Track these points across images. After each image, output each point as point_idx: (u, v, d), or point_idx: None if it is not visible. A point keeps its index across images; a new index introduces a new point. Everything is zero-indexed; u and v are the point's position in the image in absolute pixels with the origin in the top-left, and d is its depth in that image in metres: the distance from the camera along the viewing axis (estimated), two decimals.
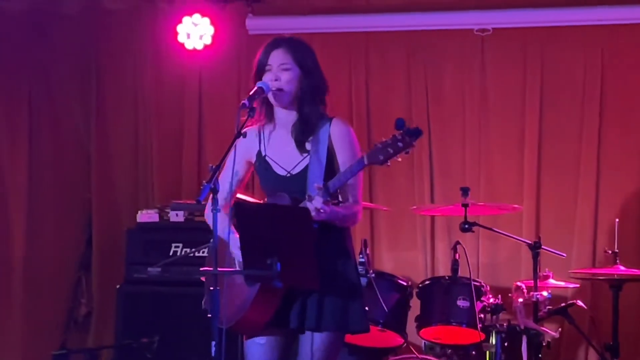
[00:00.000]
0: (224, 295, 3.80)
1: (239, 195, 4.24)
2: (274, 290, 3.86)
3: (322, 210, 3.76)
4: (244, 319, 3.92)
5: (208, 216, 4.01)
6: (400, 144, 3.67)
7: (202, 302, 4.14)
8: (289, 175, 4.04)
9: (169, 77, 7.33)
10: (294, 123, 4.07)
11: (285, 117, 4.09)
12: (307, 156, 4.01)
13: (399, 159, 3.69)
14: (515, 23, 6.90)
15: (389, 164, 3.71)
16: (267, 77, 4.02)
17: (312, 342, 3.94)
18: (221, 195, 3.90)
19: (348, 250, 4.07)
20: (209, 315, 3.79)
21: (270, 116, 4.12)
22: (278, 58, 4.02)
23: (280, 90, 4.01)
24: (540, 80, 6.88)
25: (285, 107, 4.08)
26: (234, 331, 3.94)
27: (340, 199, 4.00)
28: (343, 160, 4.00)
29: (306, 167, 4.00)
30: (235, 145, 3.93)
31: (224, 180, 4.01)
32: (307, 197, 3.82)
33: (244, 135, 3.93)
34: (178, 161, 7.34)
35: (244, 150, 4.09)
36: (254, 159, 4.12)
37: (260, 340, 4.05)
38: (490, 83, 6.98)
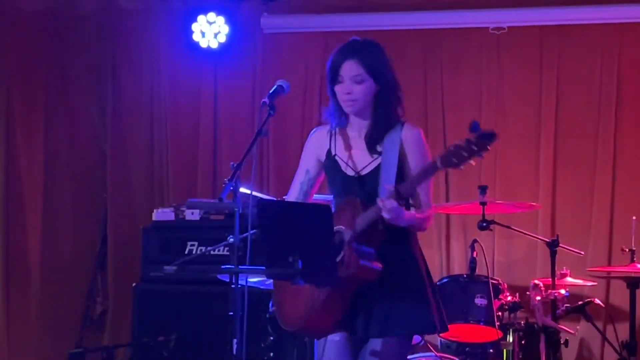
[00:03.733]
0: (293, 297, 3.83)
1: (255, 193, 4.21)
2: (342, 293, 3.83)
3: (393, 212, 3.71)
4: (311, 322, 3.87)
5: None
6: (475, 147, 3.56)
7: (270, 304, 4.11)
8: (357, 175, 3.98)
9: (184, 76, 7.35)
10: (367, 126, 4.01)
11: (359, 121, 4.03)
12: (377, 158, 3.96)
13: (473, 163, 3.59)
14: (531, 21, 6.90)
15: (462, 167, 3.62)
16: (340, 90, 3.95)
17: (377, 347, 3.89)
18: (293, 195, 3.99)
19: (415, 255, 4.00)
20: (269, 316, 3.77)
21: (344, 120, 4.05)
22: (351, 70, 3.91)
23: (354, 101, 3.94)
24: (556, 78, 6.88)
25: (359, 114, 4.01)
26: (300, 334, 3.88)
27: (411, 202, 3.93)
28: (415, 164, 3.92)
29: (375, 168, 3.95)
30: (308, 144, 4.01)
31: (296, 180, 4.06)
32: (378, 200, 3.76)
33: (265, 133, 3.93)
34: (194, 160, 7.36)
35: (315, 149, 4.07)
36: (323, 158, 4.07)
37: (335, 337, 3.98)
38: (506, 81, 6.98)
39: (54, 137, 7.46)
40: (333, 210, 3.93)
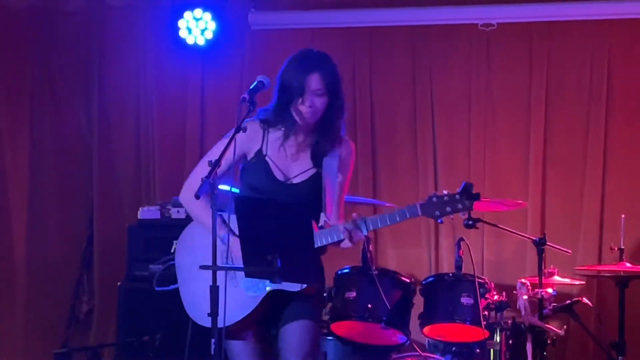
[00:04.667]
0: (201, 293, 3.86)
1: (222, 187, 4.17)
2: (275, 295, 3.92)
3: (354, 243, 3.84)
4: (247, 319, 3.95)
5: (186, 200, 4.15)
6: (460, 205, 3.71)
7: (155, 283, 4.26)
8: (288, 182, 4.06)
9: (171, 73, 7.31)
10: (309, 135, 4.09)
11: (304, 130, 4.09)
12: (312, 169, 4.07)
13: (452, 218, 3.74)
14: (521, 17, 6.86)
15: (441, 220, 3.74)
16: (303, 103, 4.01)
17: (290, 331, 4.02)
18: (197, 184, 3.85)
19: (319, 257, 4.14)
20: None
21: (287, 124, 4.08)
22: (314, 83, 4.01)
23: (315, 114, 4.03)
24: (545, 75, 6.84)
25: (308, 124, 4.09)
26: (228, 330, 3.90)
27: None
28: (342, 178, 4.10)
29: (310, 179, 4.06)
30: (235, 138, 3.92)
31: (203, 166, 3.98)
32: (341, 226, 3.84)
33: (244, 129, 3.92)
34: (180, 157, 7.31)
35: (244, 144, 4.08)
36: (251, 155, 4.10)
37: (247, 337, 4.09)
38: (495, 78, 6.94)
39: (39, 134, 7.43)
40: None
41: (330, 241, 3.88)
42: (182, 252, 4.24)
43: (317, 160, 4.08)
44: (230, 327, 3.93)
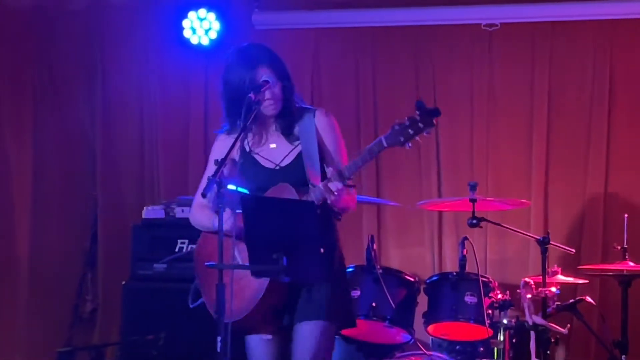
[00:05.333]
0: (228, 290, 3.80)
1: (230, 187, 4.20)
2: (281, 285, 3.87)
3: (339, 194, 3.80)
4: (257, 307, 3.91)
5: (195, 212, 4.21)
6: (420, 125, 3.67)
7: (190, 300, 4.19)
8: (278, 168, 4.09)
9: (174, 73, 7.32)
10: (276, 119, 4.12)
11: (265, 117, 4.13)
12: (296, 147, 4.09)
13: (419, 140, 3.68)
14: (523, 18, 6.86)
15: (409, 145, 3.69)
16: (261, 97, 4.02)
17: (303, 332, 3.99)
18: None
19: (335, 243, 4.11)
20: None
21: (254, 121, 4.09)
22: (266, 75, 4.06)
23: (276, 103, 4.07)
24: (548, 75, 6.85)
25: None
26: (238, 326, 3.90)
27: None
28: (332, 148, 4.08)
29: (296, 158, 4.08)
30: (216, 149, 4.11)
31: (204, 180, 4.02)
32: (320, 184, 3.85)
33: (250, 129, 3.97)
34: (184, 157, 7.32)
35: (227, 149, 4.04)
36: (237, 157, 4.15)
37: (267, 336, 4.07)
38: (498, 78, 6.95)
39: (43, 134, 7.43)
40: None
41: (313, 198, 3.85)
42: (200, 260, 4.21)
43: (291, 135, 4.10)
44: (241, 321, 3.92)
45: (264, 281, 3.88)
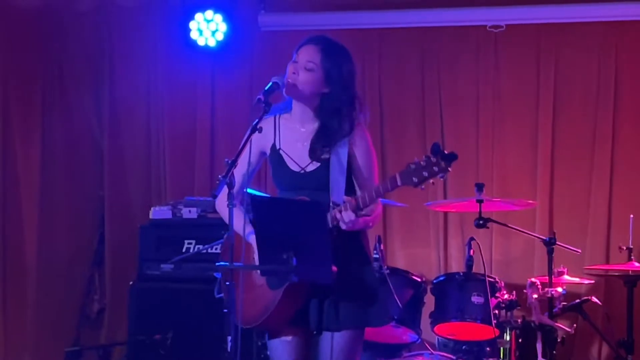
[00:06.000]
0: (246, 295, 3.83)
1: (250, 190, 4.21)
2: (299, 289, 3.87)
3: (350, 224, 3.78)
4: (270, 318, 3.91)
5: (220, 207, 4.05)
6: (435, 168, 3.63)
7: (215, 291, 4.10)
8: (302, 172, 4.02)
9: (181, 74, 7.33)
10: (313, 128, 4.03)
11: (301, 111, 4.05)
12: (326, 157, 3.98)
13: (432, 183, 3.67)
14: (529, 19, 6.87)
15: (422, 187, 3.67)
16: (289, 69, 3.97)
17: (332, 342, 3.94)
18: (237, 189, 3.89)
19: (366, 253, 4.08)
20: (225, 310, 3.78)
21: (289, 105, 4.07)
22: (307, 54, 3.97)
23: (294, 86, 3.95)
24: (553, 77, 6.86)
25: (300, 101, 4.03)
26: (259, 330, 3.91)
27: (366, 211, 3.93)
28: (362, 165, 4.01)
29: (321, 166, 3.98)
30: (251, 138, 3.89)
31: (239, 173, 3.96)
32: (332, 204, 3.82)
33: (260, 130, 3.89)
34: (191, 157, 7.34)
35: (260, 142, 4.05)
36: (268, 151, 4.09)
37: (287, 337, 4.04)
38: (504, 79, 6.96)
39: (50, 134, 7.44)
40: None
41: (329, 219, 3.81)
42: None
43: (316, 156, 3.99)
44: (263, 325, 3.93)
45: (278, 293, 3.86)
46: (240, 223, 3.93)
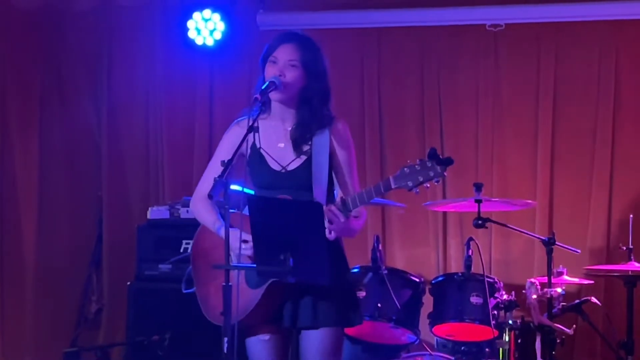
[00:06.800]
0: (213, 291, 3.92)
1: (233, 187, 4.19)
2: (279, 288, 3.87)
3: (336, 225, 3.77)
4: (248, 317, 3.91)
5: (194, 208, 4.16)
6: (431, 173, 3.63)
7: (183, 286, 4.19)
8: (284, 171, 4.02)
9: (180, 73, 7.32)
10: (293, 124, 4.03)
11: (281, 111, 4.06)
12: (307, 154, 4.00)
13: (427, 187, 3.65)
14: (528, 18, 6.84)
15: (417, 191, 3.66)
16: (271, 71, 3.97)
17: (311, 339, 3.96)
18: (206, 190, 3.84)
19: (343, 252, 4.08)
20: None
21: (267, 107, 4.07)
22: (286, 53, 3.97)
23: (285, 86, 3.95)
24: (553, 76, 6.83)
25: (282, 102, 4.04)
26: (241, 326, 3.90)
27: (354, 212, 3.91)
28: (343, 159, 4.01)
29: (303, 164, 3.99)
30: (228, 136, 4.01)
31: (210, 173, 4.03)
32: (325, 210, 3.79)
33: (257, 129, 3.88)
34: (189, 157, 7.32)
35: (237, 141, 3.99)
36: (247, 151, 4.05)
37: (264, 337, 4.05)
38: (503, 79, 6.94)
39: (49, 134, 7.44)
40: None
41: None
42: (196, 254, 4.21)
43: (299, 149, 4.00)
44: (241, 323, 3.89)
45: (259, 292, 3.86)
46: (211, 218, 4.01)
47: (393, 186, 3.70)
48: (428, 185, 3.66)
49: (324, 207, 3.78)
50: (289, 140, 4.03)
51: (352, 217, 3.87)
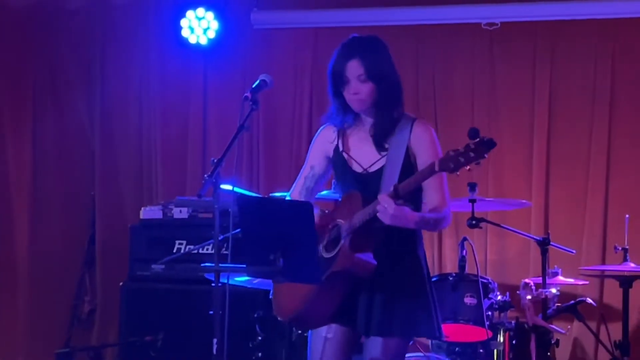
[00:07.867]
0: (282, 286, 3.87)
1: (237, 189, 4.17)
2: (340, 281, 3.81)
3: (389, 211, 3.67)
4: (307, 311, 3.85)
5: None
6: (472, 154, 3.55)
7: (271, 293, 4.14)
8: (365, 172, 3.99)
9: (173, 72, 7.30)
10: (372, 123, 4.01)
11: (366, 118, 4.04)
12: (385, 155, 3.96)
13: (468, 169, 3.58)
14: (524, 17, 6.82)
15: (458, 173, 3.61)
16: (348, 91, 3.94)
17: (378, 346, 3.88)
18: (296, 190, 4.08)
19: (419, 256, 4.01)
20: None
21: (350, 119, 4.04)
22: (354, 69, 3.92)
23: (362, 101, 3.94)
24: (549, 75, 6.81)
25: (366, 112, 4.02)
26: (295, 324, 3.87)
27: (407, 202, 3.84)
28: (424, 160, 3.91)
29: (383, 166, 3.95)
30: (314, 142, 4.05)
31: (301, 174, 4.10)
32: (378, 197, 3.74)
33: (247, 128, 3.88)
34: (182, 157, 7.30)
35: (323, 145, 4.07)
36: (331, 154, 4.07)
37: (328, 334, 3.97)
38: (499, 78, 6.92)
39: (42, 134, 7.43)
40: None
41: (366, 215, 3.75)
42: None
43: (381, 146, 3.97)
44: (299, 317, 3.89)
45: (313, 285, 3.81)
46: None
47: (437, 169, 3.62)
48: (469, 168, 3.57)
49: (379, 197, 3.72)
50: (371, 143, 4.00)
51: (408, 206, 3.78)
